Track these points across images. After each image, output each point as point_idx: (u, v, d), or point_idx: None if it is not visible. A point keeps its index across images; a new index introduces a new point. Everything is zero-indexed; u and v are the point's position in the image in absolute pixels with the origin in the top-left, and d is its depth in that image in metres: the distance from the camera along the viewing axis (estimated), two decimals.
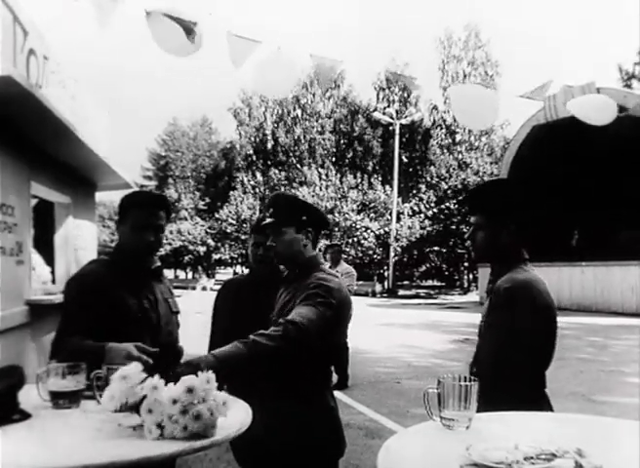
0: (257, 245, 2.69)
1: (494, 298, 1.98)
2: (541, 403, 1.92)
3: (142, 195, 2.36)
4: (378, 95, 43.45)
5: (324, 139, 42.51)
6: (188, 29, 2.55)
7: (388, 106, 40.15)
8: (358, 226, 37.13)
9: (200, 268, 51.35)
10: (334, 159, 42.28)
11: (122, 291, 2.20)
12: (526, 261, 2.05)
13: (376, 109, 40.47)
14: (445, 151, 40.07)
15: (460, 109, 3.31)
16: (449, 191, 36.26)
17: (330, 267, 7.14)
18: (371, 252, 37.34)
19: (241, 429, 1.50)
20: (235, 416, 1.54)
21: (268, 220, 2.28)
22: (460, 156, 39.08)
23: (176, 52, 2.62)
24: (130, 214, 2.26)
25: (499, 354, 1.90)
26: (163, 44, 2.58)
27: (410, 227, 36.49)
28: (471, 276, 38.21)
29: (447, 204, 36.18)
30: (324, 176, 40.15)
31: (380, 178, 39.79)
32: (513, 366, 1.86)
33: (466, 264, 38.51)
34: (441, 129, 41.51)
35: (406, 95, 41.81)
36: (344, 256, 31.23)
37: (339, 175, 40.38)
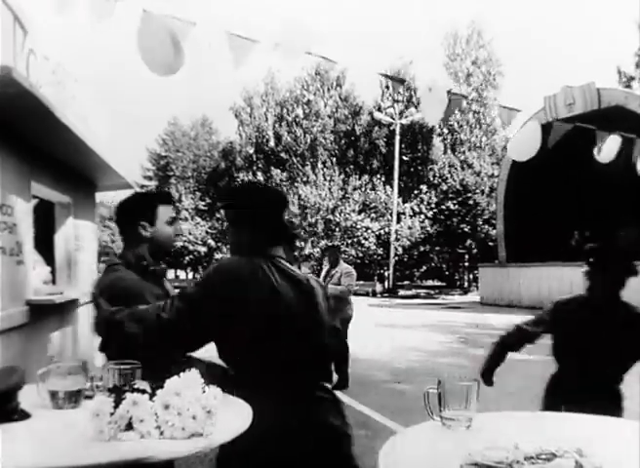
0: None
1: None
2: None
3: (164, 193, 2.47)
4: (383, 93, 43.09)
5: (325, 138, 42.47)
6: (177, 45, 2.65)
7: (392, 106, 39.95)
8: (359, 226, 37.13)
9: (201, 268, 51.35)
10: (334, 159, 42.18)
11: (144, 291, 2.20)
12: None
13: (379, 108, 40.32)
14: (448, 151, 40.01)
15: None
16: (449, 192, 36.27)
17: (329, 268, 7.14)
18: (371, 252, 37.34)
19: (241, 429, 1.50)
20: (235, 417, 1.54)
21: None
22: (462, 156, 39.03)
23: (160, 71, 2.72)
24: (159, 211, 2.34)
25: None
26: (150, 63, 2.67)
27: (410, 227, 36.50)
28: (471, 276, 38.19)
29: (447, 204, 36.19)
30: (327, 176, 40.12)
31: (382, 179, 39.71)
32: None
33: (467, 264, 38.50)
34: (441, 128, 41.42)
35: (408, 94, 41.67)
36: (345, 256, 31.24)
37: (341, 176, 40.34)
